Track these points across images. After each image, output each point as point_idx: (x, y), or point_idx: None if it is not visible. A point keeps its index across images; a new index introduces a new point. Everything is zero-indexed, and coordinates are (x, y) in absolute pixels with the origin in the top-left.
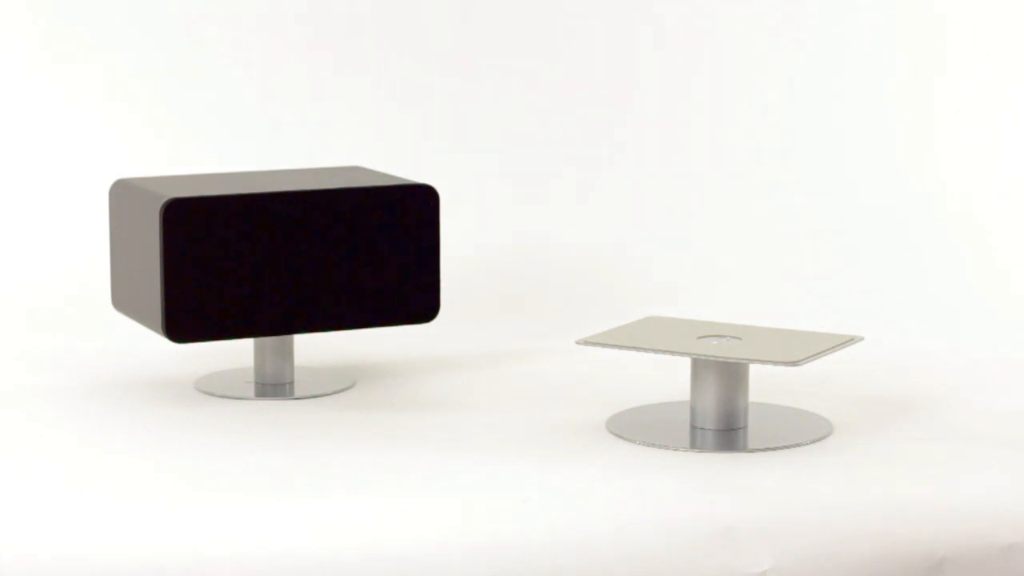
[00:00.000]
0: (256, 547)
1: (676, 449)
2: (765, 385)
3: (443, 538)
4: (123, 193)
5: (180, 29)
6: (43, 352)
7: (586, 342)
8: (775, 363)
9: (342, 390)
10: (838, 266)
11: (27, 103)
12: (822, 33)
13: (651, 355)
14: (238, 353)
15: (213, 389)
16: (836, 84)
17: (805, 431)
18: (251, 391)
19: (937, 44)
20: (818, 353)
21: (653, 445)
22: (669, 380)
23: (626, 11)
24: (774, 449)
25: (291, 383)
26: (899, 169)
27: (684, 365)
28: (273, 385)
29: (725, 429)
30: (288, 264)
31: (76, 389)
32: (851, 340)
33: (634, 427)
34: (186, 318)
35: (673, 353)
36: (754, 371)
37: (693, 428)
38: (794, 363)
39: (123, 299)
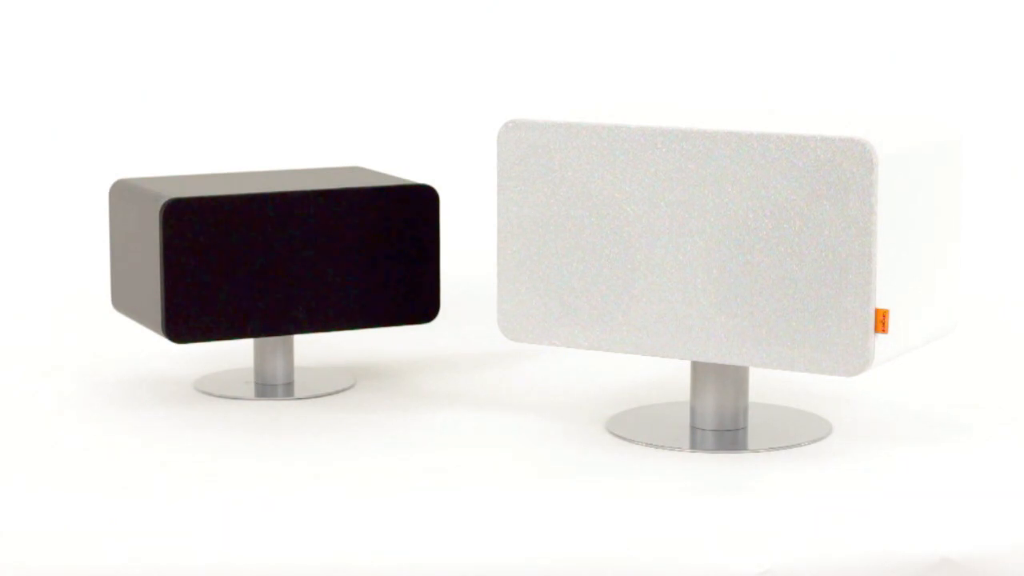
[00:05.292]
0: (256, 547)
1: (676, 449)
2: (765, 386)
3: (443, 538)
4: (123, 193)
5: (180, 29)
6: (43, 352)
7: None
8: None
9: (342, 390)
10: None
11: (27, 103)
12: None
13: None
14: (238, 353)
15: (213, 389)
16: None
17: (804, 431)
18: (251, 391)
19: None
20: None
21: (653, 445)
22: (669, 380)
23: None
24: (774, 449)
25: (291, 383)
26: None
27: (684, 367)
28: (273, 385)
29: (725, 429)
30: (288, 264)
31: (76, 389)
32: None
33: (634, 427)
34: (186, 318)
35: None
36: (754, 372)
37: (693, 428)
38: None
39: (123, 299)
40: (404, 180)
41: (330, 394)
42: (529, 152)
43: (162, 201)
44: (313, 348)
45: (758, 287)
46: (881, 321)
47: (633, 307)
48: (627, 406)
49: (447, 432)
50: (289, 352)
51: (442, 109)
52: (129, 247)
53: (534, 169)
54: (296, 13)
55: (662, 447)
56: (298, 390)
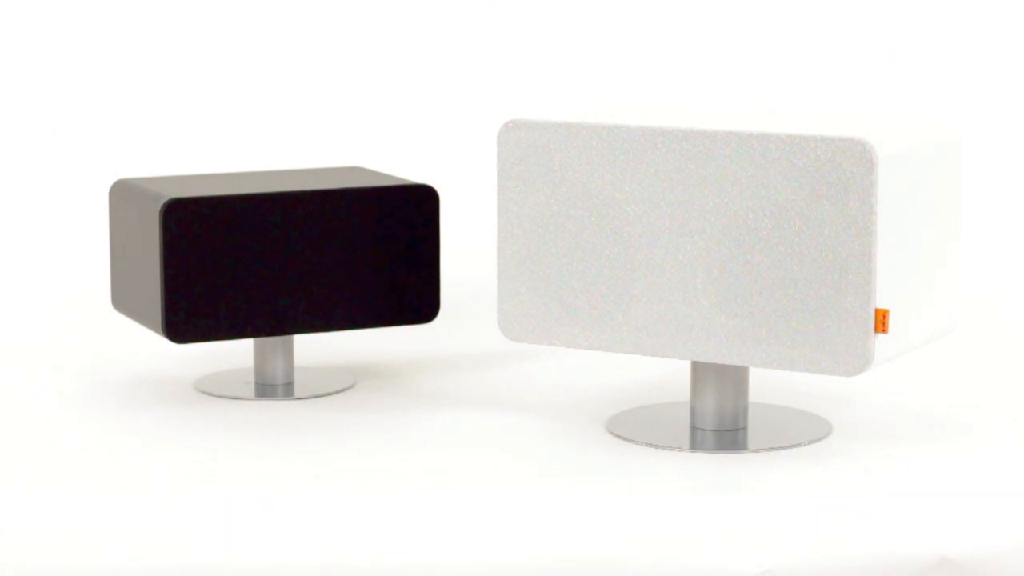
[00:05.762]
0: (256, 547)
1: (676, 449)
2: (765, 386)
3: (443, 538)
4: (123, 193)
5: (180, 29)
6: (43, 352)
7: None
8: None
9: (342, 390)
10: None
11: (27, 103)
12: None
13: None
14: (238, 353)
15: (213, 389)
16: None
17: (804, 431)
18: (251, 391)
19: None
20: None
21: (653, 445)
22: (669, 380)
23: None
24: (774, 449)
25: (291, 383)
26: None
27: (684, 367)
28: (273, 385)
29: (725, 429)
30: (288, 264)
31: (76, 389)
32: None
33: (634, 427)
34: (186, 318)
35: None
36: (754, 372)
37: (693, 428)
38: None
39: (123, 299)
40: (404, 180)
41: (330, 394)
42: (529, 152)
43: (162, 201)
44: (313, 348)
45: (758, 287)
46: (881, 321)
47: (633, 307)
48: (627, 406)
49: (447, 432)
50: (289, 352)
51: (442, 109)
52: (129, 247)
53: (534, 169)
54: (296, 13)
55: (662, 447)
56: (298, 390)
